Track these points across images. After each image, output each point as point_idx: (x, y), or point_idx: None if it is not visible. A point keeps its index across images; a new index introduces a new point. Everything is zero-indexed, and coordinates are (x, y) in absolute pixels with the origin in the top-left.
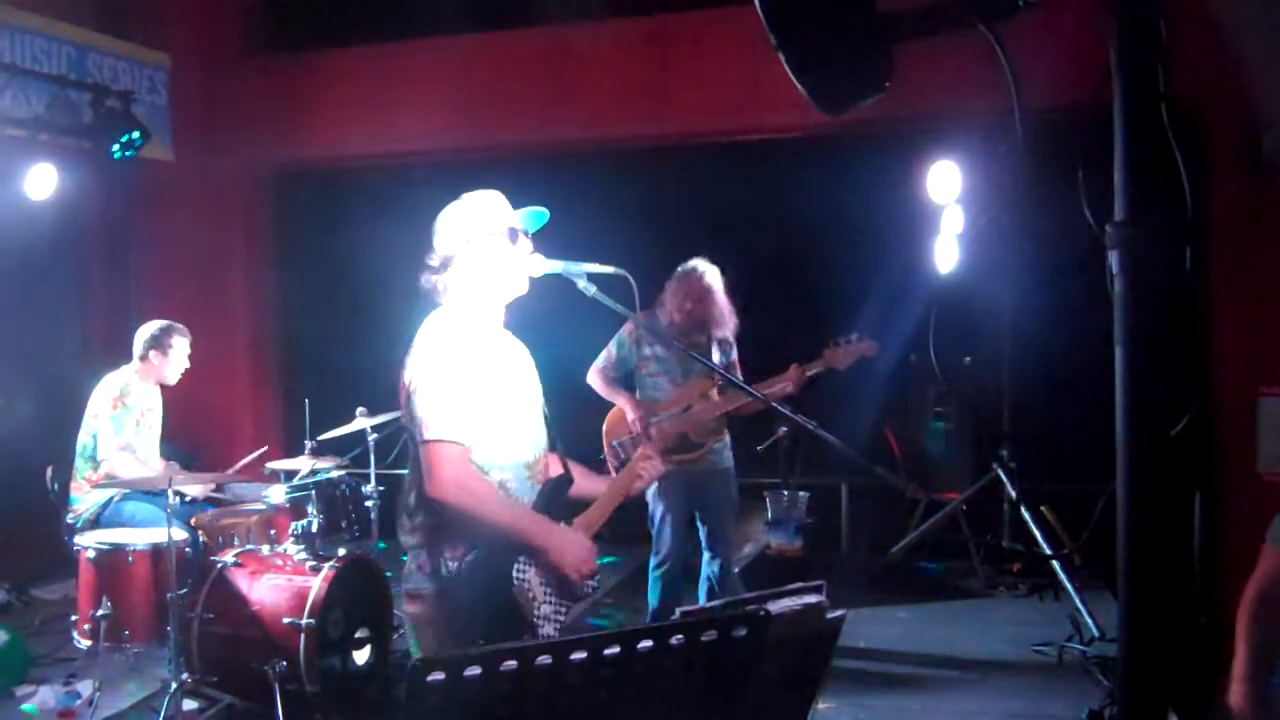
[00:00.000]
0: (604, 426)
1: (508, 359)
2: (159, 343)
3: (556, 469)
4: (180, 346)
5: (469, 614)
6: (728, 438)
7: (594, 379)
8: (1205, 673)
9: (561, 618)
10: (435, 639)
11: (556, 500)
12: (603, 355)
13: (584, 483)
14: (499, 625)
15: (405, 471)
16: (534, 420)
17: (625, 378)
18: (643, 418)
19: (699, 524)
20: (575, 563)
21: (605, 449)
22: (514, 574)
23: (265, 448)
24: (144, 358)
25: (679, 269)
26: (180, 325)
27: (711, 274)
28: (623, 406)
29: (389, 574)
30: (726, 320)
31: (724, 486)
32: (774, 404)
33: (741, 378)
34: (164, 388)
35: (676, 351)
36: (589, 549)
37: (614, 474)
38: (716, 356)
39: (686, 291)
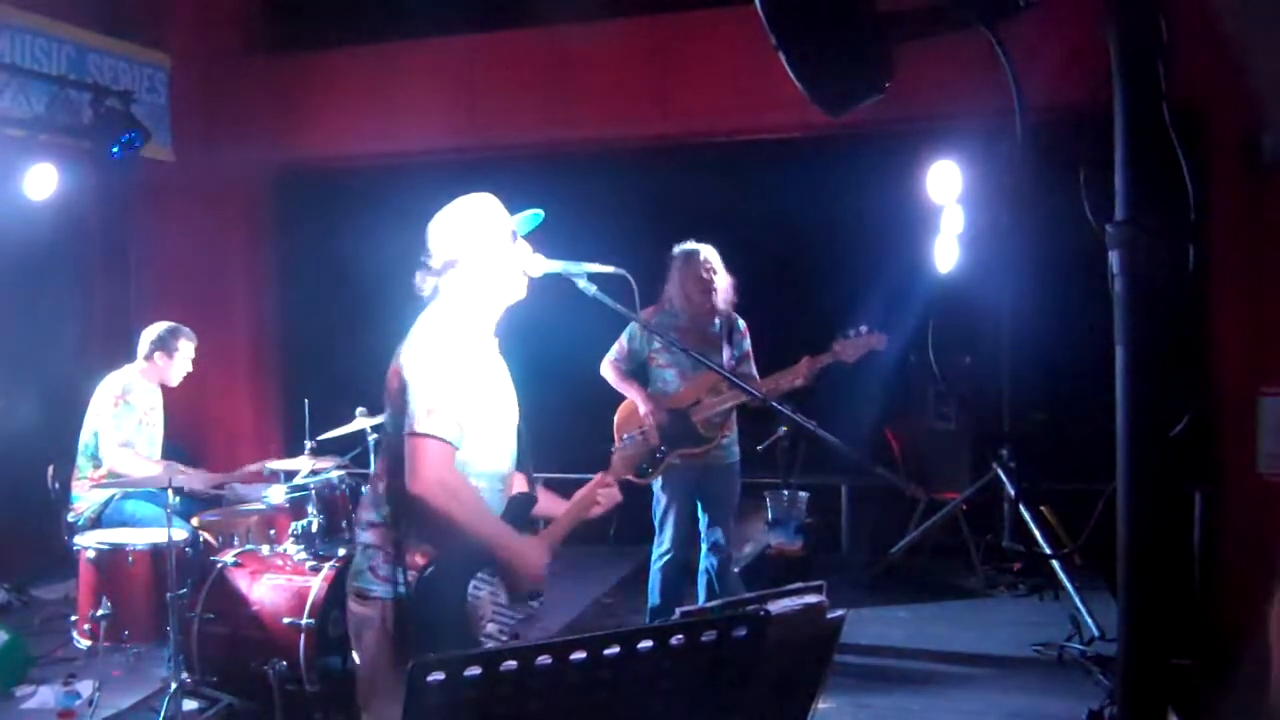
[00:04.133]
0: (616, 419)
1: (491, 370)
2: (165, 345)
3: (520, 487)
4: (186, 350)
5: (420, 627)
6: (735, 432)
7: (607, 371)
8: (1205, 673)
9: (504, 636)
10: (375, 645)
11: (520, 516)
12: (615, 347)
13: (543, 502)
14: (447, 640)
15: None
16: (510, 433)
17: (638, 370)
18: (654, 412)
19: (700, 516)
20: (533, 572)
21: (616, 441)
22: (469, 591)
23: (271, 459)
24: (149, 358)
25: (677, 253)
26: (187, 328)
27: (712, 256)
28: (634, 400)
29: None
30: (727, 297)
31: (729, 482)
32: (774, 404)
33: (754, 367)
34: (165, 388)
35: (685, 343)
36: (545, 561)
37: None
38: (727, 351)
39: (694, 279)
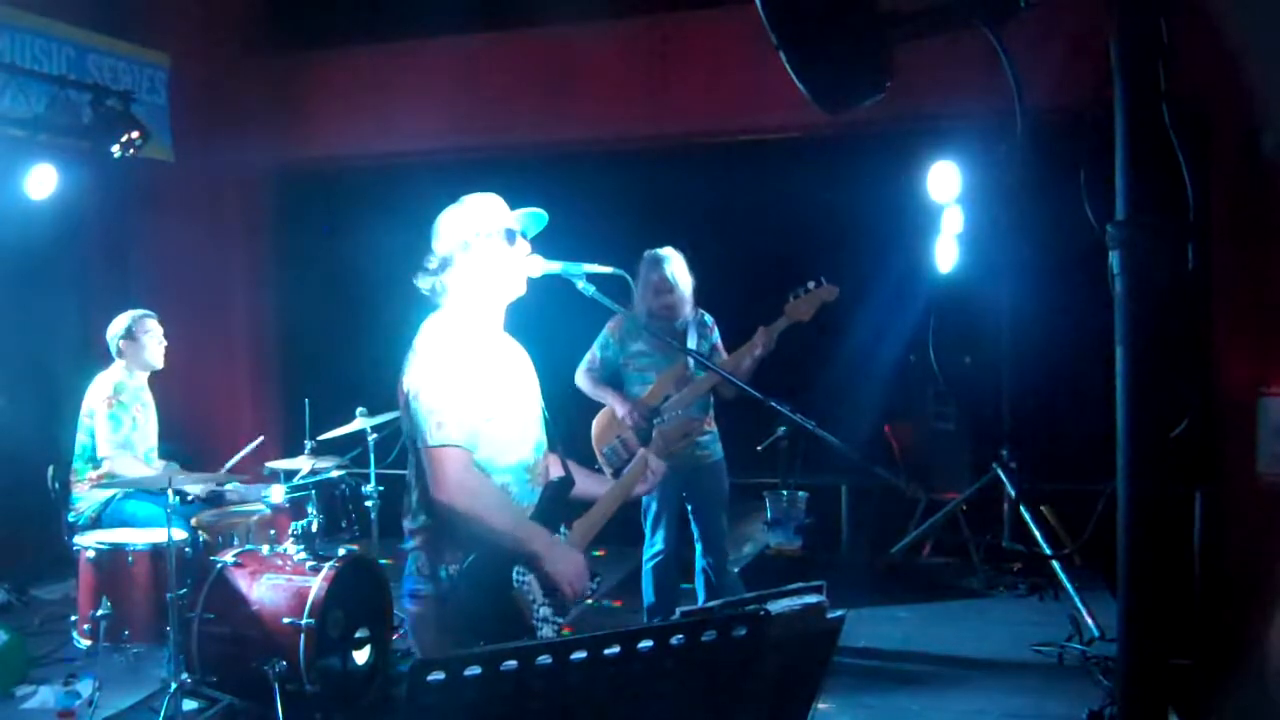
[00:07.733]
0: (593, 433)
1: (507, 361)
2: (129, 334)
3: (557, 470)
4: (153, 330)
5: (469, 617)
6: (716, 429)
7: (581, 380)
8: (1205, 673)
9: (560, 619)
10: (433, 641)
11: (557, 502)
12: (587, 357)
13: (584, 483)
14: (498, 628)
15: (405, 472)
16: (534, 422)
17: (611, 377)
18: (632, 411)
19: (690, 518)
20: (570, 579)
21: (596, 455)
22: (514, 576)
23: (261, 437)
24: (120, 354)
25: (644, 259)
26: (143, 310)
27: (673, 265)
28: (611, 404)
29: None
30: (688, 305)
31: (714, 480)
32: (773, 404)
33: (725, 359)
34: (157, 385)
35: (658, 342)
36: (583, 567)
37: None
38: (692, 342)
39: (652, 285)
